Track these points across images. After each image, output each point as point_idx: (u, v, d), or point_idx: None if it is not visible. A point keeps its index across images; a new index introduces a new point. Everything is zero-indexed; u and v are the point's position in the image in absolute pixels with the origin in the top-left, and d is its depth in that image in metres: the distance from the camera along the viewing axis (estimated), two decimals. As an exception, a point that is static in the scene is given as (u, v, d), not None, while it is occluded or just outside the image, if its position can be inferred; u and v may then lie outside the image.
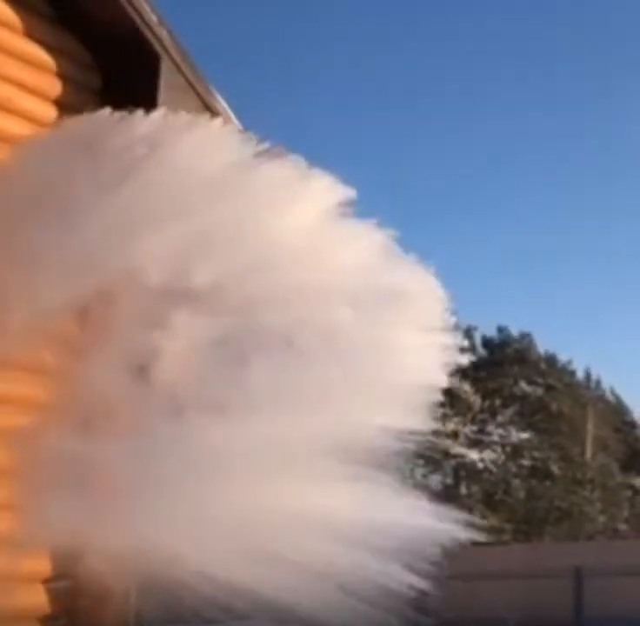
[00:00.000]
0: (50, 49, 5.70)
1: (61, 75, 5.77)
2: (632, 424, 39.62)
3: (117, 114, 5.06)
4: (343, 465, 4.61)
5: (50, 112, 5.65)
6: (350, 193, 4.97)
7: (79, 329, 4.99)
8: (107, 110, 5.10)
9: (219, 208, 4.89)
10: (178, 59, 5.83)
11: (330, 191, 4.97)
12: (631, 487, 36.59)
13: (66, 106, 5.66)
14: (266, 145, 4.93)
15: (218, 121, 5.13)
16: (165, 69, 5.83)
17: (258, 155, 4.92)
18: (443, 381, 4.96)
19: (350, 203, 4.99)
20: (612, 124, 50.77)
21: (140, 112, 5.08)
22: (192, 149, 4.95)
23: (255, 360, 4.67)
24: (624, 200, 51.51)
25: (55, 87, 5.72)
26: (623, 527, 34.55)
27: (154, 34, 5.80)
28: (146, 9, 5.79)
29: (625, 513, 35.68)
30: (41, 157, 5.04)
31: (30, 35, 5.64)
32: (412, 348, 4.93)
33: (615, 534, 33.24)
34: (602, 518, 34.72)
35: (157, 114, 5.11)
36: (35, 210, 4.88)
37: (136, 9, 5.76)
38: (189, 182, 4.86)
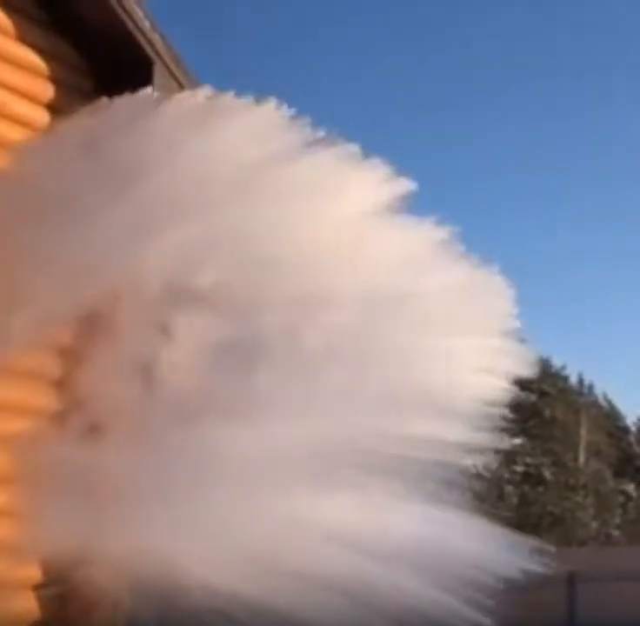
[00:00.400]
0: (42, 53, 5.69)
1: (54, 79, 5.76)
2: (625, 430, 39.59)
3: (159, 94, 4.90)
4: (359, 474, 4.48)
5: (42, 116, 5.63)
6: (409, 186, 4.67)
7: (85, 333, 4.92)
8: (148, 90, 4.92)
9: (247, 202, 4.64)
10: (171, 64, 5.82)
11: (382, 183, 4.67)
12: (624, 493, 36.55)
13: (59, 110, 5.64)
14: (320, 133, 4.68)
15: (270, 105, 4.80)
16: (158, 73, 5.82)
17: (309, 143, 4.68)
18: (497, 389, 4.59)
19: (409, 197, 4.69)
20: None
21: (186, 92, 4.89)
22: (234, 136, 4.70)
23: (265, 365, 4.53)
24: (620, 205, 51.30)
25: (47, 91, 5.70)
26: (615, 532, 34.51)
27: (147, 39, 5.80)
28: (139, 14, 5.78)
29: (617, 519, 35.65)
30: (49, 158, 4.95)
31: (22, 39, 5.62)
32: (457, 353, 4.62)
33: (607, 539, 33.21)
34: (594, 524, 34.67)
35: (202, 94, 4.88)
36: (41, 213, 4.79)
37: (128, 14, 5.76)
38: (221, 172, 4.62)
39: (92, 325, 4.88)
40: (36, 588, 5.29)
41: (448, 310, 4.63)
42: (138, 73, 5.74)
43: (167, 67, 5.79)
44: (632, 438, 39.32)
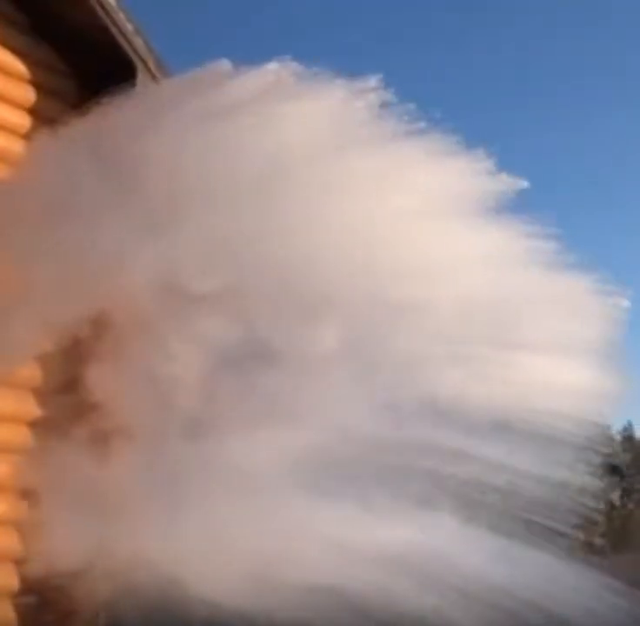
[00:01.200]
0: (23, 57, 5.64)
1: (36, 83, 5.71)
2: (610, 439, 39.70)
3: (230, 68, 4.57)
4: (364, 484, 4.38)
5: (23, 120, 5.59)
6: (515, 182, 4.29)
7: (90, 340, 4.84)
8: (224, 62, 4.58)
9: (280, 197, 4.34)
10: (154, 68, 5.79)
11: (475, 178, 4.31)
12: (609, 502, 36.63)
13: (41, 115, 5.60)
14: (419, 122, 4.32)
15: (363, 86, 4.39)
16: (141, 78, 5.79)
17: (398, 132, 4.33)
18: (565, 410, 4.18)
19: (516, 194, 4.29)
20: None
21: (266, 68, 4.46)
22: (297, 121, 4.37)
23: (274, 372, 4.40)
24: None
25: (28, 95, 5.66)
26: (600, 541, 34.57)
27: (129, 43, 5.76)
28: (122, 18, 5.75)
29: (602, 528, 35.70)
30: (59, 159, 4.86)
31: (4, 43, 5.58)
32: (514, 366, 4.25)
33: (591, 549, 33.24)
34: (579, 534, 34.68)
35: (272, 74, 4.48)
36: (47, 215, 4.69)
37: (111, 19, 5.72)
38: (273, 162, 4.32)
39: (98, 331, 4.82)
40: (14, 596, 5.25)
41: (514, 320, 4.30)
42: (121, 77, 5.71)
43: (150, 71, 5.76)
44: (617, 447, 39.39)
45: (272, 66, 4.54)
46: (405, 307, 4.30)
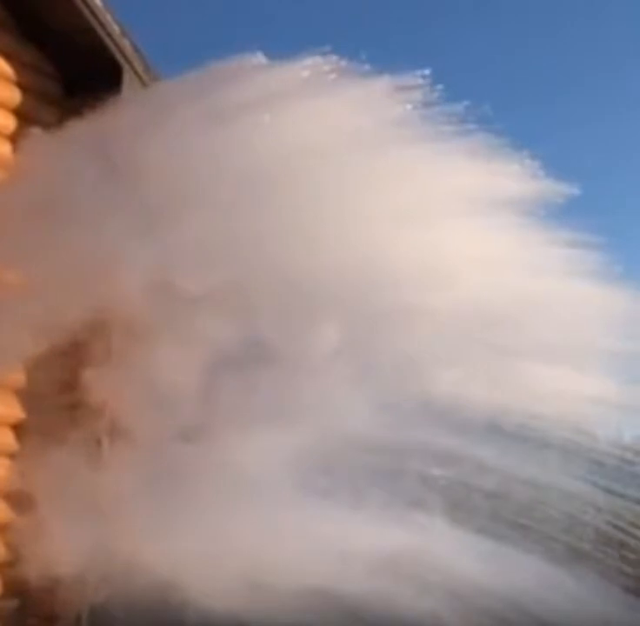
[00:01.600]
0: (10, 59, 5.61)
1: (22, 85, 5.68)
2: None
3: (262, 62, 4.39)
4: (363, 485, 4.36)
5: (9, 122, 5.56)
6: (559, 188, 4.17)
7: (88, 341, 4.79)
8: (258, 55, 4.40)
9: (284, 197, 4.25)
10: (140, 70, 5.78)
11: (506, 181, 4.17)
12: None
13: (27, 116, 5.58)
14: (459, 123, 4.14)
15: (407, 83, 4.22)
16: (128, 79, 5.77)
17: (434, 132, 4.18)
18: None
19: (558, 199, 4.14)
20: None
21: (302, 61, 4.27)
22: (314, 120, 4.27)
23: (273, 373, 4.37)
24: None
25: (15, 96, 5.63)
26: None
27: (116, 45, 5.75)
28: (109, 20, 5.73)
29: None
30: (59, 156, 4.82)
31: (-10, 44, 5.57)
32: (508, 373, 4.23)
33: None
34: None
35: (309, 68, 4.28)
36: (45, 216, 4.64)
37: (98, 21, 5.71)
38: (276, 161, 4.24)
39: (96, 333, 4.79)
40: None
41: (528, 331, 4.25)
42: (107, 78, 5.69)
43: (136, 73, 5.75)
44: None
45: (310, 60, 4.35)
46: (406, 308, 4.27)
